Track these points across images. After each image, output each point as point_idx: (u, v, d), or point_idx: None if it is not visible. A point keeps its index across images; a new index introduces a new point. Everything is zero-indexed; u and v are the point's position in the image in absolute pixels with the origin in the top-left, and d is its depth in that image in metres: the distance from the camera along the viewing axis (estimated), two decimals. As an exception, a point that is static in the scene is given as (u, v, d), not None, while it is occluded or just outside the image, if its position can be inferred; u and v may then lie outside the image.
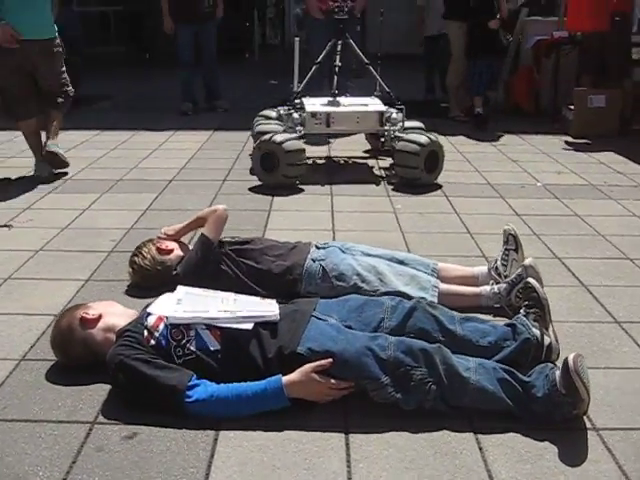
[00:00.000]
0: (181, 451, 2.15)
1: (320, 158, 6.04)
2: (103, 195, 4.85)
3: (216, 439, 2.20)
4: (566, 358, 2.24)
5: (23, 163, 5.66)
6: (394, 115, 5.43)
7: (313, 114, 5.34)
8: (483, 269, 3.24)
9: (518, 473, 2.05)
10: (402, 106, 5.46)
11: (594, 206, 4.70)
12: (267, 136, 5.08)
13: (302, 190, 5.02)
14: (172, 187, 5.08)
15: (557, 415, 2.26)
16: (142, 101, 8.79)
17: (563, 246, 3.91)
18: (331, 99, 5.57)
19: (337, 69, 5.71)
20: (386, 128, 5.45)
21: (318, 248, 3.25)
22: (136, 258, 3.21)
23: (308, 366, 2.30)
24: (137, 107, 8.32)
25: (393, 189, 5.07)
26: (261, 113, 6.02)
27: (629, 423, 2.30)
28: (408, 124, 5.47)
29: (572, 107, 7.14)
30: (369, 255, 3.21)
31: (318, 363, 2.30)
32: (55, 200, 4.75)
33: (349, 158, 6.04)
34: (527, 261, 3.01)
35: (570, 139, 6.84)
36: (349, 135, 6.60)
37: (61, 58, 5.28)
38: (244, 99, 8.85)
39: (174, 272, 3.08)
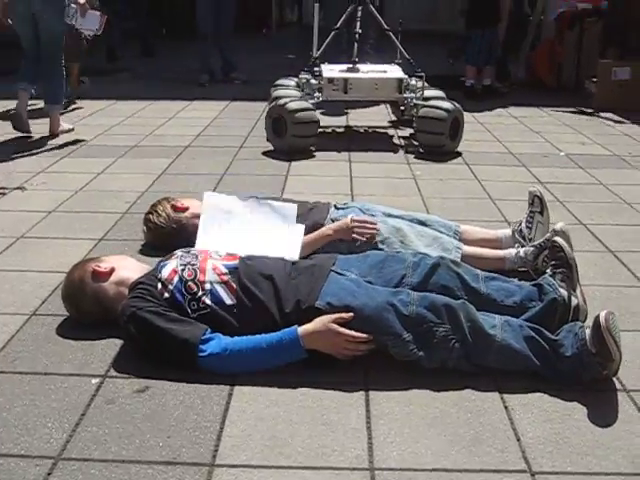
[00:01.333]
0: (194, 405, 2.08)
1: (339, 127, 5.93)
2: (118, 160, 4.77)
3: (231, 394, 2.13)
4: (597, 315, 2.14)
5: (37, 129, 5.59)
6: (413, 82, 5.30)
7: (330, 80, 5.22)
8: (507, 232, 3.14)
9: (545, 432, 1.97)
10: (422, 74, 5.31)
11: (619, 175, 4.57)
12: (279, 101, 5.00)
13: (319, 157, 4.92)
14: (188, 152, 5.00)
15: (586, 376, 2.16)
16: (159, 73, 8.69)
17: (588, 213, 3.79)
18: (350, 66, 5.44)
19: (357, 36, 5.58)
20: (405, 95, 5.32)
21: (337, 208, 3.16)
22: (151, 216, 3.14)
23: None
24: (154, 79, 8.23)
25: (414, 157, 4.96)
26: (279, 80, 5.91)
27: (661, 384, 2.21)
28: (428, 93, 5.34)
29: (595, 80, 6.98)
30: (390, 216, 3.12)
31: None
32: (69, 164, 4.68)
33: (368, 127, 5.93)
34: (558, 225, 2.86)
35: (593, 112, 6.67)
36: (369, 106, 6.50)
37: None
38: (261, 72, 8.70)
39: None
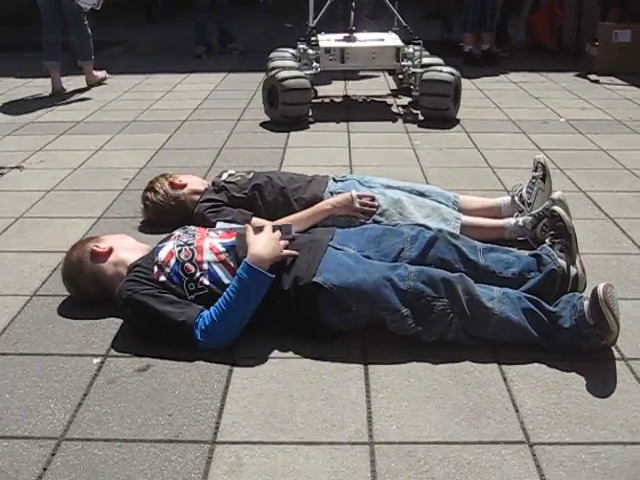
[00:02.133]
0: (195, 383, 2.09)
1: (337, 97, 5.89)
2: (115, 136, 4.75)
3: (231, 371, 2.14)
4: (595, 288, 2.14)
5: (34, 106, 5.60)
6: (411, 50, 5.25)
7: (327, 50, 5.19)
8: (506, 199, 3.13)
9: (544, 402, 1.98)
10: (419, 41, 5.26)
11: (619, 141, 4.54)
12: (271, 72, 4.98)
13: (318, 127, 4.90)
14: (186, 127, 4.97)
15: (584, 346, 2.17)
16: (155, 46, 8.62)
17: (588, 180, 3.78)
18: (347, 35, 5.39)
19: (353, 4, 5.52)
20: (403, 64, 5.28)
21: (336, 181, 3.15)
22: (149, 193, 3.13)
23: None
24: (150, 52, 8.17)
25: (414, 125, 4.92)
26: (275, 51, 5.87)
27: (660, 352, 2.21)
28: (426, 60, 5.29)
29: (596, 43, 6.90)
30: (389, 187, 3.11)
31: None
32: (67, 141, 4.66)
33: (367, 97, 5.89)
34: (555, 194, 2.84)
35: (594, 76, 6.61)
36: (368, 77, 6.45)
37: None
38: (259, 42, 8.64)
39: (195, 210, 3.00)
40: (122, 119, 5.19)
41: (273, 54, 5.81)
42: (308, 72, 5.17)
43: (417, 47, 5.23)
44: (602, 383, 2.07)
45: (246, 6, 11.88)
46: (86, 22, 6.07)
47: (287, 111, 4.90)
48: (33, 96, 6.06)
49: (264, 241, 2.31)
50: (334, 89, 6.05)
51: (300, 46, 5.38)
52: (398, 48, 5.20)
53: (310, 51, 5.29)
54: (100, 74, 6.51)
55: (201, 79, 6.73)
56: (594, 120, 5.07)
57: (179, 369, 2.16)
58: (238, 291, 2.22)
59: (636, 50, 6.71)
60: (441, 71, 4.97)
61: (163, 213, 3.09)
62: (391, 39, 5.44)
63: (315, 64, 5.25)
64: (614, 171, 3.95)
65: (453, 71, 4.97)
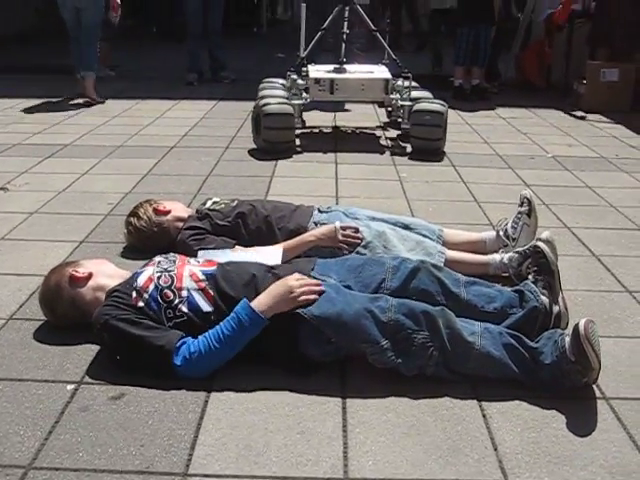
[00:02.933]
0: (170, 413, 2.05)
1: (326, 127, 5.90)
2: (102, 160, 4.73)
3: (207, 401, 2.11)
4: (577, 324, 2.13)
5: (22, 129, 5.58)
6: (400, 83, 5.28)
7: (317, 80, 5.19)
8: (491, 233, 3.12)
9: (523, 441, 1.95)
10: (409, 74, 5.27)
11: (605, 178, 4.57)
12: (259, 101, 5.02)
13: (306, 157, 4.90)
14: (173, 153, 4.96)
15: (565, 384, 2.15)
16: (147, 72, 8.64)
17: (573, 216, 3.78)
18: (337, 66, 5.42)
19: (344, 36, 5.56)
20: (392, 97, 5.31)
21: (321, 212, 3.14)
22: (132, 219, 3.11)
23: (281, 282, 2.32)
24: (142, 78, 8.18)
25: (402, 158, 4.94)
26: (266, 79, 5.89)
27: (640, 393, 2.19)
28: (415, 93, 5.32)
29: (584, 81, 6.98)
30: (374, 219, 3.10)
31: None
32: (53, 164, 4.64)
33: (356, 128, 5.90)
34: (544, 234, 2.81)
35: (582, 113, 6.67)
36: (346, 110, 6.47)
37: None
38: (250, 71, 8.66)
39: (178, 237, 2.98)
40: (110, 143, 5.18)
41: (263, 84, 5.84)
42: (297, 102, 5.19)
43: (406, 80, 5.26)
44: (582, 422, 2.04)
45: (239, 35, 11.98)
46: (98, 43, 6.69)
47: (269, 136, 4.91)
48: (22, 117, 6.05)
49: (281, 294, 2.26)
50: (323, 119, 6.06)
51: (290, 76, 5.39)
52: (387, 81, 5.23)
53: (300, 81, 5.30)
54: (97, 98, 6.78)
55: (191, 106, 6.74)
56: (581, 157, 5.10)
57: (154, 398, 2.12)
58: (234, 331, 2.19)
59: (623, 89, 6.81)
60: (432, 102, 5.05)
61: (146, 239, 3.07)
62: (380, 72, 5.46)
63: (304, 94, 5.26)
64: (599, 208, 3.96)
65: (443, 103, 5.04)
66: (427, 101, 5.10)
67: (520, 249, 2.87)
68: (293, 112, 5.03)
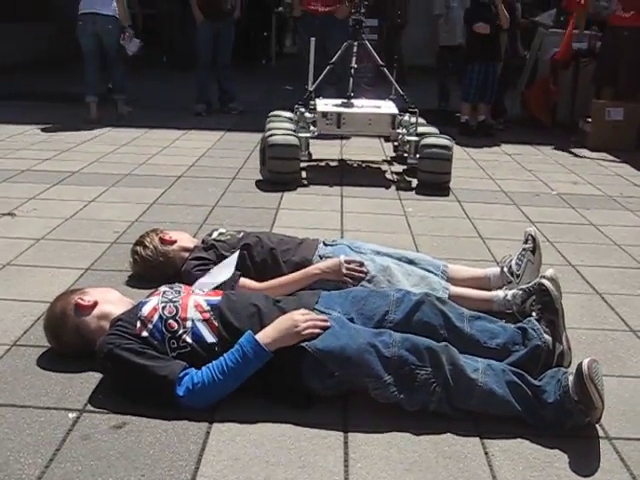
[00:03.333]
0: (171, 443, 2.05)
1: (333, 160, 5.94)
2: (110, 188, 4.77)
3: (208, 432, 2.10)
4: (580, 363, 2.13)
5: (31, 155, 5.63)
6: (406, 118, 5.34)
7: (324, 114, 5.26)
8: (495, 270, 3.13)
9: (525, 480, 1.94)
10: (415, 109, 5.33)
11: (610, 216, 4.58)
12: (266, 133, 5.09)
13: (311, 190, 4.93)
14: (181, 183, 5.00)
15: (568, 423, 2.14)
16: (157, 101, 8.73)
17: (578, 254, 3.79)
18: (345, 100, 5.48)
19: (352, 71, 5.62)
20: (399, 131, 5.36)
21: (326, 245, 3.15)
22: (138, 248, 3.13)
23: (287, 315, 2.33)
24: (151, 107, 8.25)
25: (408, 192, 4.97)
26: (274, 112, 5.95)
27: (644, 433, 2.18)
28: (422, 129, 5.37)
29: (589, 120, 7.03)
30: (378, 253, 3.11)
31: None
32: (61, 191, 4.67)
33: (362, 162, 5.94)
34: (548, 272, 2.83)
35: (587, 152, 6.71)
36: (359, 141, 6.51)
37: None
38: (259, 103, 8.77)
39: (183, 267, 2.99)
40: (118, 172, 5.22)
41: (270, 117, 5.90)
42: (304, 135, 5.24)
43: (413, 116, 5.31)
44: (585, 462, 2.03)
45: (248, 67, 12.10)
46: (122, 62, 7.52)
47: (274, 166, 4.96)
48: (32, 144, 6.11)
49: (286, 328, 2.26)
50: (330, 153, 6.10)
51: (298, 109, 5.45)
52: (394, 116, 5.29)
53: (307, 114, 5.37)
54: (126, 108, 7.72)
55: (199, 136, 6.80)
56: (585, 195, 5.12)
57: (155, 428, 2.11)
58: (237, 363, 2.19)
59: (628, 128, 6.86)
60: (439, 137, 5.12)
61: (151, 268, 3.08)
62: (387, 107, 5.52)
63: (312, 127, 5.32)
64: (604, 246, 3.97)
65: (449, 138, 5.11)
66: (434, 135, 5.16)
67: (524, 286, 2.87)
68: (299, 144, 5.07)
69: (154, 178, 5.08)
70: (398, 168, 5.69)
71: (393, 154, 6.11)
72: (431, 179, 5.04)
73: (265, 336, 2.23)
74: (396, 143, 5.78)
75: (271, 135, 4.99)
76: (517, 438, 2.12)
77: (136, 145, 6.33)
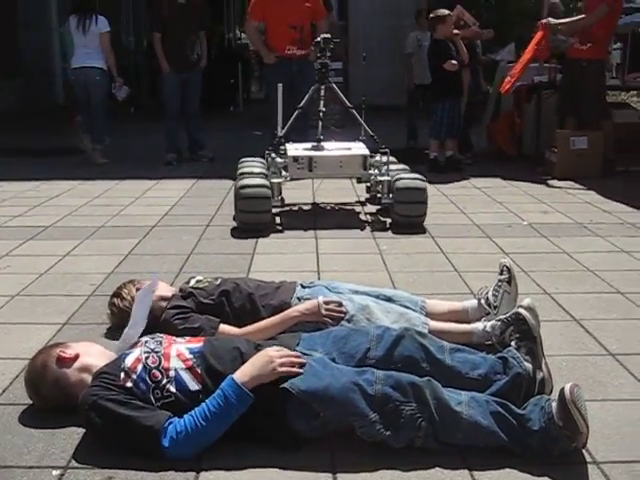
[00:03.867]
0: (159, 495, 2.02)
1: (306, 204, 5.97)
2: (84, 241, 4.75)
3: (196, 482, 2.08)
4: (562, 388, 2.15)
5: (2, 212, 5.61)
6: (377, 158, 5.39)
7: (295, 158, 5.24)
8: (473, 302, 3.16)
9: (516, 510, 1.94)
10: (386, 149, 5.39)
11: (581, 243, 4.65)
12: (238, 182, 5.12)
13: (286, 235, 4.95)
14: (155, 232, 4.99)
15: (555, 449, 2.15)
16: (126, 153, 8.76)
17: (552, 282, 3.84)
18: (315, 144, 5.50)
19: (321, 114, 5.68)
20: (370, 172, 5.39)
21: (304, 287, 3.16)
22: (115, 299, 3.11)
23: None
24: (121, 158, 8.27)
25: (382, 232, 5.00)
26: (244, 159, 6.01)
27: (630, 456, 2.20)
28: (393, 168, 5.44)
29: (555, 149, 7.17)
30: (356, 292, 3.12)
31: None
32: (34, 247, 4.65)
33: (335, 204, 5.97)
34: (525, 302, 2.86)
35: (554, 181, 6.83)
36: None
37: None
38: (228, 149, 8.82)
39: (162, 317, 2.97)
40: (91, 224, 5.21)
41: (241, 163, 5.91)
42: (276, 180, 5.26)
43: (384, 156, 5.36)
44: (574, 489, 2.04)
45: (216, 114, 12.20)
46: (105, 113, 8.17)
47: (245, 218, 4.98)
48: (2, 200, 6.08)
49: (261, 364, 2.28)
50: (303, 196, 6.14)
51: (269, 154, 5.46)
52: (365, 157, 5.27)
53: (278, 159, 5.37)
54: (102, 159, 8.13)
55: (171, 185, 6.81)
56: (556, 223, 5.20)
57: (142, 480, 2.09)
58: (220, 408, 2.18)
59: (593, 156, 6.99)
60: (414, 178, 5.11)
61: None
62: (358, 148, 5.54)
63: (284, 172, 5.34)
64: (577, 273, 4.02)
65: (422, 178, 5.14)
66: (408, 178, 5.15)
67: (502, 317, 2.90)
68: (270, 195, 5.07)
69: (128, 229, 5.08)
70: (371, 209, 5.73)
71: (367, 195, 6.08)
72: (406, 222, 5.06)
73: (243, 374, 2.24)
74: (369, 184, 5.82)
75: (242, 187, 4.99)
76: (505, 468, 2.12)
77: (108, 197, 6.32)
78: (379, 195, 5.47)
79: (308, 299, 3.00)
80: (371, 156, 5.37)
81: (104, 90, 8.10)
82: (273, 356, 2.28)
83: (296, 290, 3.12)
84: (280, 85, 5.81)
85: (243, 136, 10.10)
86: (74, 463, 2.18)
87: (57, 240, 4.79)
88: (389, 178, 5.25)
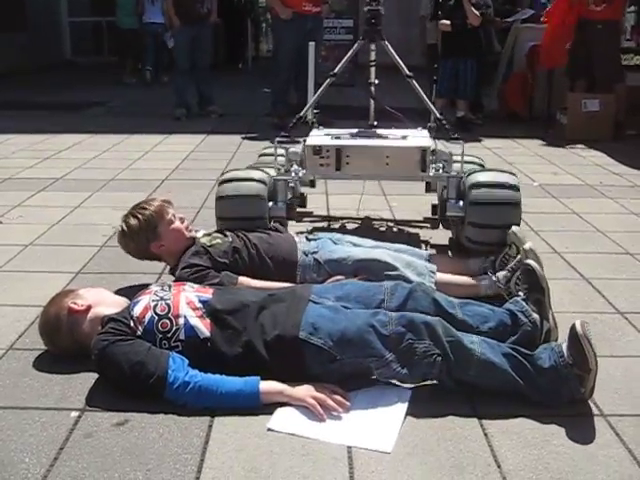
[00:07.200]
0: (174, 438, 2.06)
1: (348, 220, 4.25)
2: (95, 194, 4.77)
3: (211, 425, 2.12)
4: (573, 324, 2.20)
5: (13, 163, 5.61)
6: (444, 149, 3.73)
7: (316, 149, 3.45)
8: (477, 260, 3.17)
9: (525, 458, 1.98)
10: (460, 140, 3.55)
11: (591, 204, 4.65)
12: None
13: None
14: (165, 186, 5.01)
15: (564, 392, 2.19)
16: (136, 107, 8.73)
17: (562, 241, 3.85)
18: (356, 130, 3.73)
19: (372, 89, 3.96)
20: (431, 175, 3.54)
21: (309, 240, 3.17)
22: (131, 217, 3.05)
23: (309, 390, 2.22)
24: (130, 113, 8.26)
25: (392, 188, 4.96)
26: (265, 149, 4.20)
27: (637, 410, 2.23)
28: (467, 163, 3.67)
29: (566, 112, 7.12)
30: (360, 246, 3.14)
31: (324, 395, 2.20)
32: (46, 198, 4.67)
33: (390, 221, 4.30)
34: (526, 245, 2.87)
35: (565, 143, 6.80)
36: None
37: None
38: (237, 105, 8.79)
39: (177, 275, 2.94)
40: (102, 177, 5.22)
41: (264, 151, 4.19)
42: (283, 177, 3.52)
43: (456, 144, 3.55)
44: (582, 439, 2.07)
45: (226, 70, 12.12)
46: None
47: (228, 227, 3.26)
48: (12, 152, 6.08)
49: (301, 394, 2.21)
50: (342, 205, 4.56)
51: (279, 143, 3.62)
52: (424, 150, 3.43)
53: (293, 149, 3.78)
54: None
55: (180, 140, 6.81)
56: (566, 185, 5.19)
57: (158, 423, 2.13)
58: (227, 392, 2.18)
59: (604, 118, 6.95)
60: (501, 185, 3.30)
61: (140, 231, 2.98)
62: (417, 137, 3.70)
63: (294, 167, 3.65)
64: (587, 233, 4.03)
65: (514, 182, 3.38)
66: (490, 185, 3.32)
67: (507, 266, 2.94)
68: (264, 193, 3.37)
69: (138, 182, 5.09)
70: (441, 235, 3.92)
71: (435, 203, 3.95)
72: (483, 249, 3.28)
73: (270, 391, 2.20)
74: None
75: (221, 183, 3.51)
76: (515, 418, 2.16)
77: (117, 150, 6.32)
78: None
79: (315, 253, 2.99)
80: (433, 151, 3.55)
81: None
82: (318, 398, 2.19)
83: (302, 242, 3.11)
84: (311, 43, 4.31)
85: (252, 93, 10.05)
86: (91, 406, 2.22)
87: (68, 192, 4.80)
88: (460, 176, 3.47)
